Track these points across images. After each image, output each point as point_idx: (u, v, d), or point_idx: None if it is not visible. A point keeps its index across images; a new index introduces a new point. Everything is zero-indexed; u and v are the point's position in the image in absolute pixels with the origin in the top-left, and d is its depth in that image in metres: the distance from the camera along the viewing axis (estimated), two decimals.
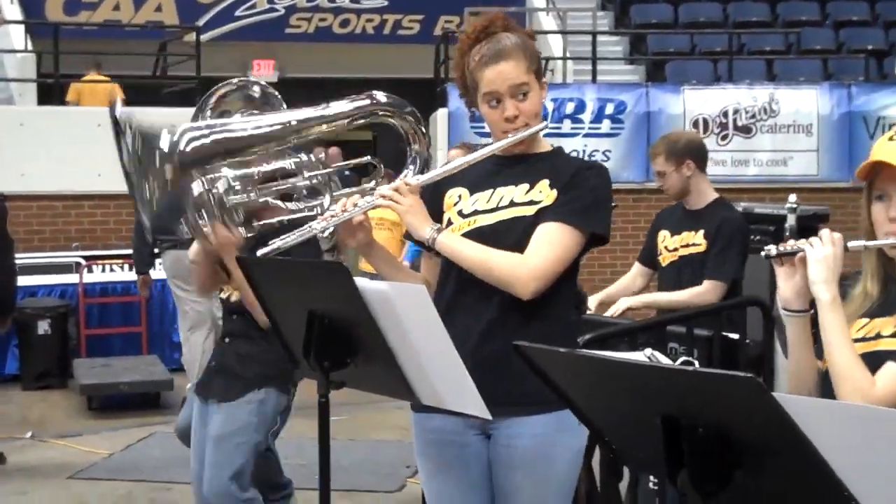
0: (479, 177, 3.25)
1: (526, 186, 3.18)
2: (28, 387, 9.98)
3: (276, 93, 4.04)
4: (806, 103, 13.18)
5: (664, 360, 2.57)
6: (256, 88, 4.07)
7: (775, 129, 13.15)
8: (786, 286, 2.70)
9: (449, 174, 3.32)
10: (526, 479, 3.14)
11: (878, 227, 2.70)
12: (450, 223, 3.21)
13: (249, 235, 3.87)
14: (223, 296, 4.47)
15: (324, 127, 3.91)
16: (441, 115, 12.85)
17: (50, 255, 11.40)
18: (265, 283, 3.02)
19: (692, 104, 13.10)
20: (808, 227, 5.78)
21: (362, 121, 3.94)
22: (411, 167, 3.96)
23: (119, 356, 10.26)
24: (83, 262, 11.11)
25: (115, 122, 3.67)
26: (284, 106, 4.02)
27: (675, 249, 5.29)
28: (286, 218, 3.78)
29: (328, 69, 16.01)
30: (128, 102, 11.78)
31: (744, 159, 13.06)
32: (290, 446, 6.03)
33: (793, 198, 5.10)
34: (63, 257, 11.35)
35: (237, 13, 15.87)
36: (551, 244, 3.07)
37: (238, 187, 3.78)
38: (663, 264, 5.36)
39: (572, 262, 3.15)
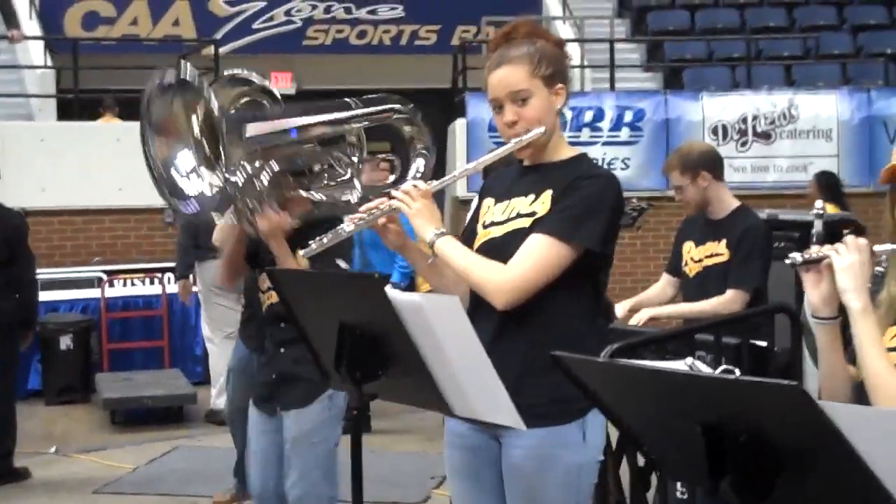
0: (504, 186, 3.26)
1: (532, 197, 3.16)
2: (51, 401, 10.00)
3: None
4: (825, 108, 13.13)
5: (705, 369, 2.55)
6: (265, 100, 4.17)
7: (795, 134, 13.10)
8: (813, 293, 2.68)
9: (456, 179, 3.44)
10: (522, 487, 3.13)
11: None
12: (475, 233, 3.25)
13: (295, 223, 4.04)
14: (267, 303, 4.49)
15: (352, 125, 4.05)
16: (460, 124, 12.85)
17: (71, 271, 11.43)
18: (295, 295, 3.01)
19: (711, 111, 13.07)
20: (834, 233, 5.73)
21: (377, 122, 4.12)
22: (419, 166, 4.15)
23: (141, 370, 10.28)
24: (104, 276, 11.14)
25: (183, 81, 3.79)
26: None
27: (700, 260, 5.28)
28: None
29: (346, 81, 16.00)
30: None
31: (763, 165, 13.01)
32: None
33: (819, 203, 5.08)
34: (84, 272, 11.38)
35: (254, 26, 15.91)
36: (530, 256, 3.04)
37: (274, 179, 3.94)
38: (690, 275, 5.34)
39: (582, 277, 3.10)
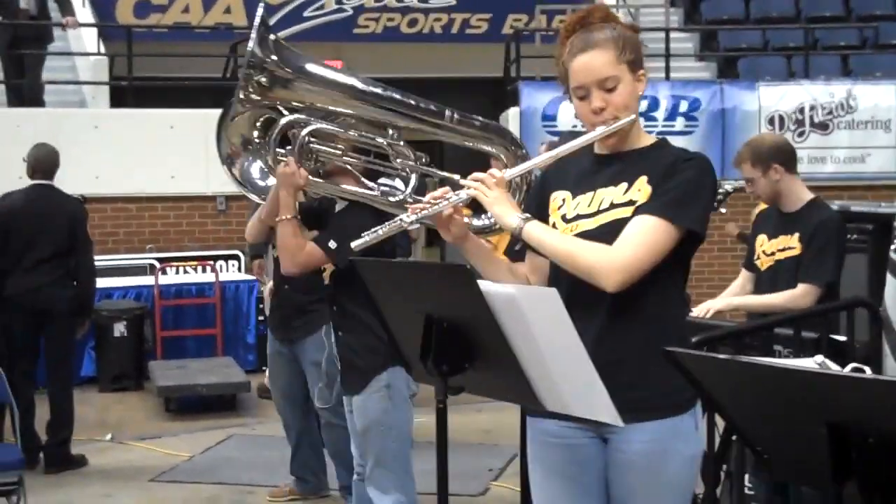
0: (580, 178, 3.16)
1: (624, 186, 3.07)
2: (104, 388, 10.02)
3: None
4: (884, 99, 12.94)
5: (834, 368, 2.46)
6: None
7: (853, 125, 12.92)
8: None
9: (537, 166, 3.35)
10: (638, 483, 3.06)
11: None
12: (554, 227, 3.13)
13: (313, 180, 4.20)
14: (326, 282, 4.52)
15: (439, 133, 4.02)
16: (513, 113, 12.77)
17: (124, 258, 11.46)
18: (378, 286, 2.94)
19: (767, 101, 12.90)
20: None
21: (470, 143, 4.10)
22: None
23: (194, 358, 10.27)
24: (157, 264, 11.14)
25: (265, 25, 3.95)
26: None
27: (773, 254, 5.18)
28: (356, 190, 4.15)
29: (396, 69, 15.93)
30: (198, 104, 11.86)
31: (820, 156, 12.83)
32: None
33: None
34: (137, 259, 11.39)
35: (305, 14, 15.86)
36: (638, 236, 2.96)
37: (323, 138, 4.09)
38: (762, 269, 5.24)
39: (678, 262, 3.05)
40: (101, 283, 10.00)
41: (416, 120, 3.99)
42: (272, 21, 14.68)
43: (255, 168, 4.35)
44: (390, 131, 3.95)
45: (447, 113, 4.02)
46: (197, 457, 7.77)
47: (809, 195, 5.23)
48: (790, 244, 5.10)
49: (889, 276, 4.67)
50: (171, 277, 11.21)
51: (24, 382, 7.10)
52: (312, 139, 4.07)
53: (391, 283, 2.94)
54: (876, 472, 1.80)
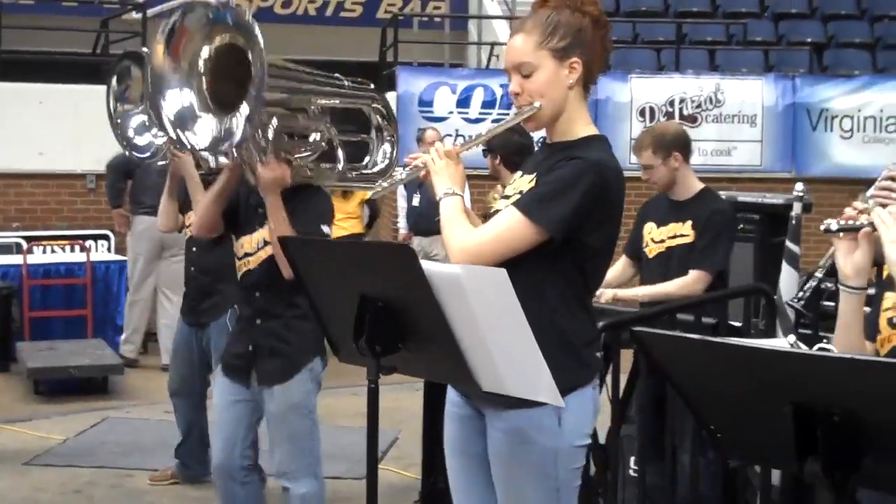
0: (529, 162, 3.21)
1: (529, 176, 3.10)
2: None
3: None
4: (751, 94, 13.29)
5: (803, 348, 2.52)
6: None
7: (720, 118, 13.24)
8: (845, 262, 2.67)
9: (477, 144, 3.36)
10: (500, 469, 3.10)
11: None
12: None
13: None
14: (244, 270, 4.38)
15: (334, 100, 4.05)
16: (389, 98, 12.67)
17: None
18: (309, 264, 2.92)
19: (639, 93, 13.14)
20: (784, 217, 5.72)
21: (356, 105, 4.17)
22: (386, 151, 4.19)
23: (63, 339, 10.00)
24: (24, 243, 10.83)
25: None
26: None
27: (662, 241, 5.28)
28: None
29: (269, 50, 15.72)
30: (68, 80, 11.54)
31: None
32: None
33: (800, 186, 5.12)
34: (3, 237, 11.05)
35: None
36: (493, 225, 3.01)
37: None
38: (650, 256, 5.34)
39: (571, 263, 3.01)
40: None
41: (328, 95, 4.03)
42: None
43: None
44: (312, 107, 3.94)
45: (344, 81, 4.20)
46: (71, 440, 7.59)
47: (700, 185, 5.36)
48: (682, 231, 5.22)
49: (784, 265, 4.82)
50: (39, 257, 10.90)
51: None
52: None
53: (325, 262, 2.92)
54: (840, 450, 1.85)
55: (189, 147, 3.88)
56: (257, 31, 3.65)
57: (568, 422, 3.02)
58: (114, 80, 5.27)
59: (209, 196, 4.29)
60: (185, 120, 3.75)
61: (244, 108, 3.62)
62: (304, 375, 4.37)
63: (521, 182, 3.11)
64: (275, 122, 3.91)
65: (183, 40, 3.71)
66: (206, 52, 3.73)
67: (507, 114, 12.67)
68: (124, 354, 9.78)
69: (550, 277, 3.00)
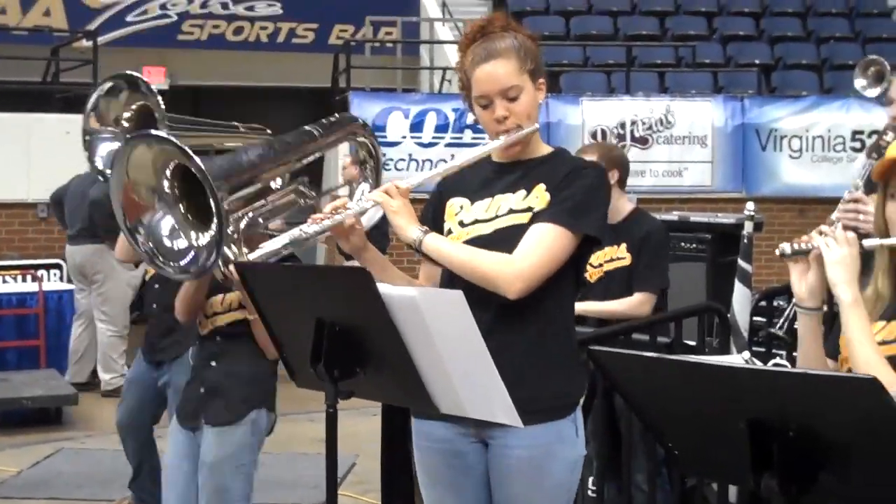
0: (479, 185, 3.21)
1: (523, 193, 3.13)
2: None
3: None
4: (701, 115, 13.44)
5: (758, 364, 2.55)
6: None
7: (671, 140, 13.37)
8: (799, 284, 2.73)
9: (436, 177, 3.32)
10: (521, 489, 3.09)
11: (893, 225, 2.74)
12: (450, 232, 3.16)
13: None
14: (208, 328, 4.31)
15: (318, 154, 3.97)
16: None
17: None
18: (265, 291, 2.91)
19: (590, 115, 13.24)
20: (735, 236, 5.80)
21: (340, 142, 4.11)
22: (370, 181, 4.12)
23: (14, 370, 9.88)
24: None
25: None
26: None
27: (601, 265, 5.26)
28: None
29: (221, 77, 15.79)
30: (18, 108, 11.46)
31: (640, 170, 13.18)
32: None
33: (751, 205, 5.17)
34: None
35: (128, 18, 15.49)
36: (538, 244, 3.02)
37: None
38: (591, 280, 5.32)
39: (571, 264, 3.10)
40: None
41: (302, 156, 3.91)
42: (93, 25, 14.38)
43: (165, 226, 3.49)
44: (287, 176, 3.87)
45: (314, 131, 3.95)
46: (25, 471, 7.51)
47: (630, 205, 5.38)
48: (618, 255, 5.23)
49: (737, 283, 4.87)
50: None
51: None
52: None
53: (281, 288, 2.91)
54: (795, 464, 1.87)
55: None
56: (177, 141, 3.32)
57: (580, 430, 3.13)
58: (102, 92, 4.61)
59: (189, 288, 4.17)
60: (163, 249, 3.39)
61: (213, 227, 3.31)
62: (247, 427, 4.26)
63: (508, 201, 3.11)
64: (249, 216, 3.70)
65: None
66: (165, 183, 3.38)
67: (460, 137, 12.76)
68: (73, 380, 9.71)
69: (562, 283, 3.10)
